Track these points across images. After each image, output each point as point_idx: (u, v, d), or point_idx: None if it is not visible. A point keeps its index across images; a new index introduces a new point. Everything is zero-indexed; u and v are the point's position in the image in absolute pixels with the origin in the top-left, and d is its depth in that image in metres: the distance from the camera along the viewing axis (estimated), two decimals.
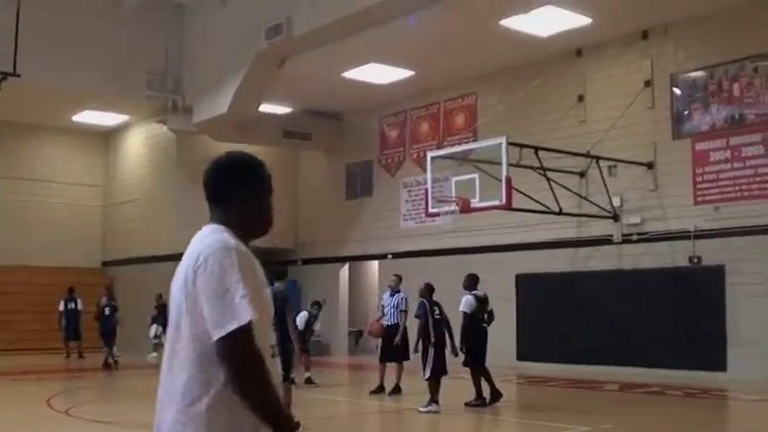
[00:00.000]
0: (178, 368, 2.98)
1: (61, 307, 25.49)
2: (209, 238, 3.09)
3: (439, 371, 14.18)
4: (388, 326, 16.49)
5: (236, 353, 2.85)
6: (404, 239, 25.04)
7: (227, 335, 2.84)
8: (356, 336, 28.40)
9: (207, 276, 2.93)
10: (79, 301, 25.53)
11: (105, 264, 30.99)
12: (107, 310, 24.19)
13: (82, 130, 30.20)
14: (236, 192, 3.35)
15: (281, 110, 26.60)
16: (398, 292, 16.72)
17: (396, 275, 17.27)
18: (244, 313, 2.85)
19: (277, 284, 13.48)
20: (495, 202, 17.20)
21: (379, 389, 16.17)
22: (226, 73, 22.88)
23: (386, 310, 16.69)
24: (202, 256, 2.98)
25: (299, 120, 27.36)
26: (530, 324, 21.39)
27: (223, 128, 24.78)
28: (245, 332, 2.85)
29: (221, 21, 23.36)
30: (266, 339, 3.05)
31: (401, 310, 16.43)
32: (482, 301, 14.93)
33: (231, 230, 3.17)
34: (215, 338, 2.86)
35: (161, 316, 26.38)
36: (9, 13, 21.44)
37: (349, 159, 27.86)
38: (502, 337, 21.35)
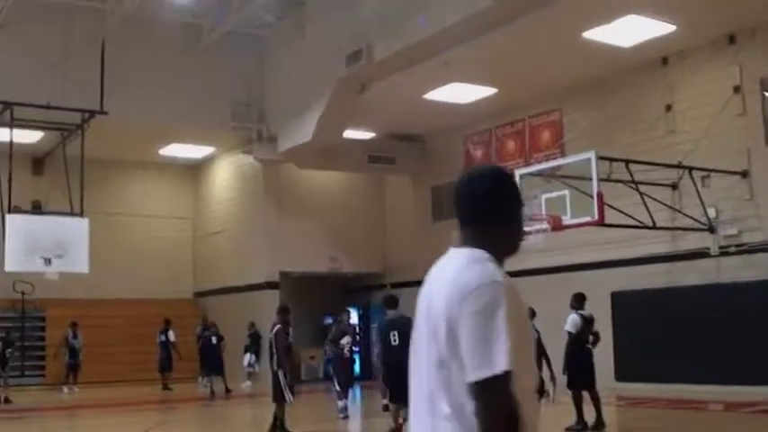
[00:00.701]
0: (441, 413, 2.69)
1: (158, 339, 25.82)
2: (477, 267, 2.75)
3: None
4: None
5: (487, 402, 2.57)
6: None
7: (480, 381, 2.57)
8: None
9: (473, 312, 2.62)
10: (170, 333, 25.78)
11: (198, 294, 31.28)
12: (214, 339, 24.43)
13: (169, 164, 30.61)
14: (500, 209, 2.97)
15: (364, 135, 26.61)
16: None
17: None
18: (502, 361, 2.56)
19: (390, 312, 13.34)
20: (588, 219, 16.81)
21: None
22: (308, 101, 22.98)
23: None
24: (470, 288, 2.66)
25: (382, 144, 27.33)
26: (627, 343, 20.82)
27: (308, 155, 24.91)
28: (499, 382, 2.56)
29: (301, 49, 23.50)
30: (529, 382, 2.74)
31: None
32: (588, 322, 14.57)
33: (491, 255, 2.85)
34: (468, 381, 2.60)
35: (254, 345, 26.57)
36: (94, 52, 21.94)
37: (434, 182, 27.66)
38: (599, 358, 20.91)
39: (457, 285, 2.70)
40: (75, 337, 25.26)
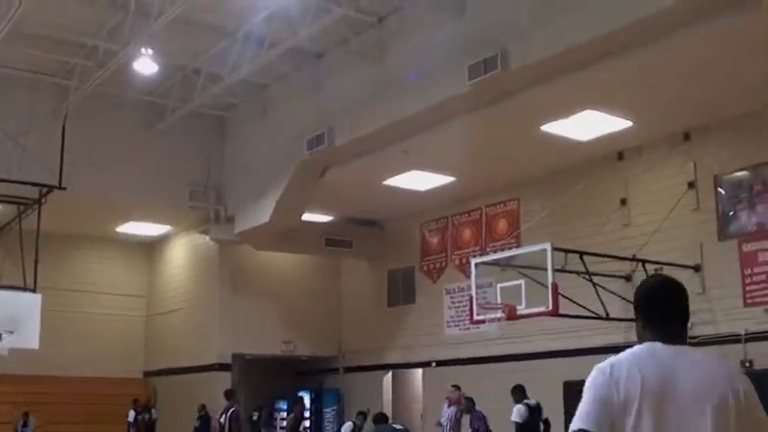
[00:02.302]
0: None
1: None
2: (731, 366, 3.53)
3: None
4: None
5: None
6: (448, 347, 24.68)
7: None
8: None
9: (757, 406, 3.37)
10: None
11: (147, 374, 30.86)
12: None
13: (125, 241, 30.44)
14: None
15: (322, 218, 26.71)
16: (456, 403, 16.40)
17: (454, 386, 17.01)
18: None
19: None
20: (542, 309, 16.92)
21: None
22: (267, 183, 23.07)
23: (443, 422, 16.35)
24: (744, 387, 3.37)
25: (340, 228, 27.43)
26: None
27: (265, 237, 24.92)
28: None
29: (262, 131, 23.70)
30: None
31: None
32: (533, 410, 14.62)
33: None
34: None
35: (204, 426, 26.18)
36: (55, 128, 21.95)
37: (391, 266, 27.76)
38: None
39: (728, 383, 3.37)
40: (25, 425, 24.69)
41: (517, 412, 14.55)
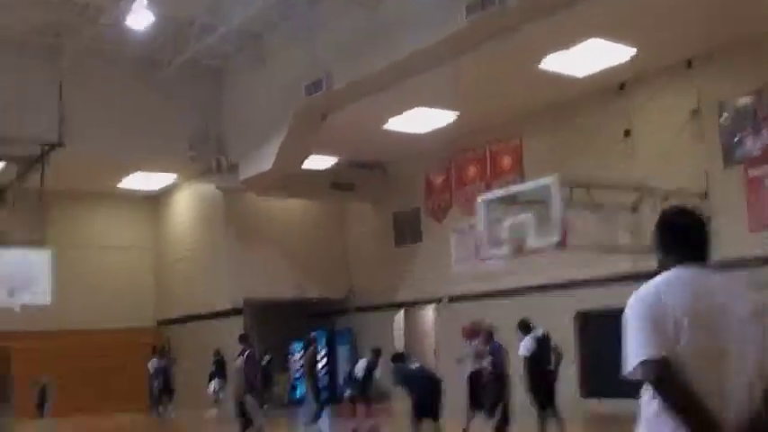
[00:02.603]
0: None
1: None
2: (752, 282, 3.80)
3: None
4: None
5: None
6: (458, 283, 24.81)
7: None
8: None
9: None
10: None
11: (160, 323, 31.15)
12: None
13: (130, 195, 30.52)
14: None
15: (325, 162, 26.69)
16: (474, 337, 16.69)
17: (474, 322, 17.29)
18: None
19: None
20: (550, 242, 16.98)
21: None
22: (269, 130, 23.04)
23: (467, 354, 16.65)
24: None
25: (344, 172, 27.44)
26: (591, 361, 21.04)
27: (269, 184, 24.95)
28: None
29: (261, 79, 23.58)
30: None
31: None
32: (541, 341, 14.74)
33: None
34: None
35: (219, 371, 26.49)
36: (53, 86, 21.86)
37: (396, 208, 27.82)
38: (563, 375, 21.10)
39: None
40: (43, 398, 24.35)
41: (524, 346, 14.71)
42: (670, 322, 3.46)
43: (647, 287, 3.61)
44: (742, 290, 3.67)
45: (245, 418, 15.10)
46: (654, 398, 3.53)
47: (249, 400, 15.06)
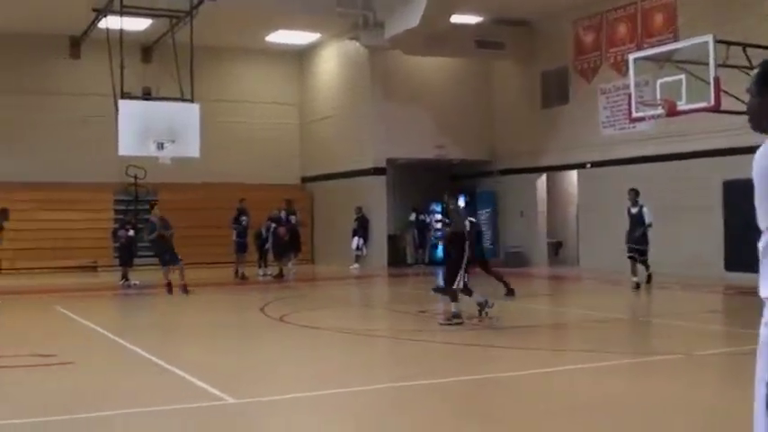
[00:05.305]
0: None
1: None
2: None
3: None
4: None
5: None
6: (604, 147, 24.20)
7: None
8: (555, 246, 27.92)
9: None
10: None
11: (305, 180, 31.66)
12: (293, 220, 24.22)
13: (276, 51, 30.69)
14: None
15: (472, 20, 26.11)
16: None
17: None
18: None
19: None
20: (703, 104, 16.23)
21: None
22: None
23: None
24: None
25: (490, 29, 26.81)
26: (737, 233, 20.31)
27: (415, 41, 24.64)
28: None
29: None
30: None
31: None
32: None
33: None
34: None
35: (361, 228, 26.90)
36: None
37: (543, 67, 27.11)
38: (710, 246, 20.55)
39: None
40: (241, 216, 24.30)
41: (649, 213, 15.61)
42: None
43: None
44: None
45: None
46: None
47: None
